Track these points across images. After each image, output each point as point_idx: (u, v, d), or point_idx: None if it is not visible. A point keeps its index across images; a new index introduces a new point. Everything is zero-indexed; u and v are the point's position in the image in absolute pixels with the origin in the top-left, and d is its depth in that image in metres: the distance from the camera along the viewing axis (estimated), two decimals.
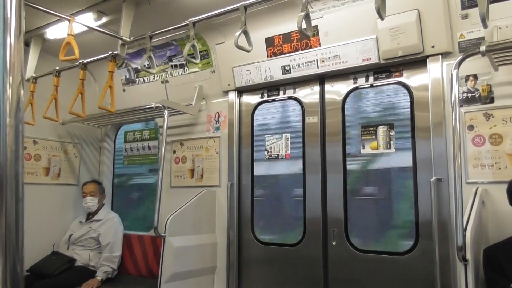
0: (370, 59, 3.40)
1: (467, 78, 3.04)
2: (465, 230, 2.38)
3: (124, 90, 4.92)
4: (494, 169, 2.89)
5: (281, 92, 4.04)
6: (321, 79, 3.81)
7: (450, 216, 3.00)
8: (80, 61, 3.69)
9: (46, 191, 4.77)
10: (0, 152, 0.56)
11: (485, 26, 2.28)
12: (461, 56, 2.61)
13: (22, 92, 0.59)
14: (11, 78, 0.57)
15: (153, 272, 4.42)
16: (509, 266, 2.42)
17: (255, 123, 4.19)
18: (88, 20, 3.62)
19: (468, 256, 2.34)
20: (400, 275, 3.27)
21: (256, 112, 4.18)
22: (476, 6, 2.77)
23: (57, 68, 3.96)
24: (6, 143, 0.56)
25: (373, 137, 3.50)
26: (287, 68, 3.78)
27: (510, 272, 2.41)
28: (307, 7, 2.48)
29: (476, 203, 2.65)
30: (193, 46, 3.09)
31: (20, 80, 0.58)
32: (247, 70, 3.98)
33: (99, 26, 3.61)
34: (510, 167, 2.84)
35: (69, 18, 3.15)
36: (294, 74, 3.77)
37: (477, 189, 2.84)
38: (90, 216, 4.72)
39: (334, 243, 3.58)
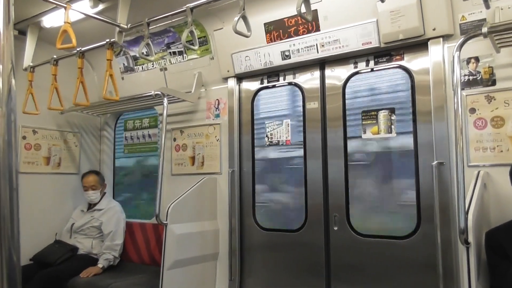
0: (371, 43, 3.36)
1: (468, 61, 3.01)
2: (467, 213, 2.37)
3: (122, 78, 4.89)
4: (496, 152, 2.88)
5: (281, 78, 4.01)
6: (321, 64, 3.77)
7: (452, 199, 3.00)
8: (78, 49, 3.66)
9: (47, 180, 4.78)
10: None
11: (487, 6, 2.25)
12: (462, 38, 2.58)
13: (13, 81, 0.57)
14: (0, 66, 0.55)
15: (155, 260, 4.45)
16: (511, 249, 2.42)
17: (255, 109, 4.17)
18: (84, 7, 3.58)
19: (470, 239, 2.34)
20: (402, 258, 3.28)
21: (256, 99, 4.16)
22: None
23: (55, 56, 3.93)
24: None
25: (374, 121, 3.48)
26: (287, 53, 3.75)
27: None
28: None
29: (478, 186, 2.64)
30: (191, 32, 3.06)
31: (11, 69, 0.56)
32: (246, 56, 3.95)
33: (95, 13, 3.57)
34: None
35: (65, 5, 3.10)
36: (294, 59, 3.74)
37: (479, 172, 2.83)
38: (91, 205, 4.74)
39: (335, 228, 3.59)
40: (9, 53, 0.56)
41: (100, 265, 4.27)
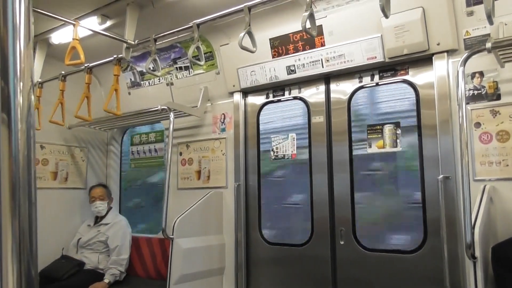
0: (375, 57, 3.39)
1: (473, 75, 3.03)
2: (473, 227, 2.37)
3: (129, 93, 4.94)
4: (502, 166, 2.88)
5: (286, 92, 4.04)
6: (326, 78, 3.80)
7: (458, 213, 2.99)
8: (86, 65, 3.71)
9: (54, 195, 4.80)
10: (12, 158, 0.56)
11: (491, 22, 2.27)
12: (467, 53, 2.61)
13: (32, 97, 0.59)
14: (21, 84, 0.57)
15: (161, 274, 4.44)
16: None
17: (260, 123, 4.19)
18: (92, 24, 3.64)
19: (477, 253, 2.33)
20: (409, 273, 3.26)
21: (261, 113, 4.18)
22: (481, 2, 2.77)
23: (63, 72, 3.98)
24: (18, 148, 0.57)
25: (379, 135, 3.49)
26: (292, 68, 3.78)
27: None
28: (311, 7, 2.48)
29: (484, 200, 2.63)
30: (198, 48, 3.10)
31: (30, 86, 0.58)
32: (252, 71, 3.98)
33: (103, 30, 3.63)
34: None
35: (74, 22, 3.16)
36: (299, 74, 3.77)
37: (485, 186, 2.83)
38: (98, 219, 4.74)
39: (342, 242, 3.58)
40: (29, 71, 0.59)
41: (106, 280, 4.25)
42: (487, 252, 2.55)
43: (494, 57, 2.73)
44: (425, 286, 3.20)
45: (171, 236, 3.68)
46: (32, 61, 0.59)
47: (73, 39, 3.11)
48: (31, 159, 0.59)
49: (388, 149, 3.46)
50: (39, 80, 4.18)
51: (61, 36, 4.02)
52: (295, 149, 3.95)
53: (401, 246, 3.38)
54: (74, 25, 3.14)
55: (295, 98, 4.00)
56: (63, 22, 3.30)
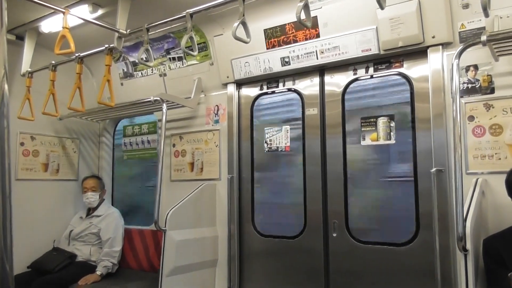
0: (370, 50, 3.36)
1: (467, 69, 3.02)
2: (465, 220, 2.37)
3: (122, 84, 4.89)
4: (494, 159, 2.88)
5: (281, 84, 4.02)
6: (321, 70, 3.78)
7: (450, 206, 3.00)
8: (76, 54, 3.65)
9: (45, 187, 4.75)
10: None
11: (486, 15, 2.26)
12: (461, 46, 2.59)
13: (6, 86, 0.56)
14: None
15: (154, 266, 4.43)
16: (509, 256, 2.43)
17: (254, 115, 4.16)
18: (83, 12, 3.57)
19: (468, 246, 2.34)
20: (401, 265, 3.27)
21: (255, 104, 4.16)
22: None
23: (53, 62, 3.92)
24: None
25: (373, 128, 3.48)
26: (286, 59, 3.75)
27: (509, 262, 2.42)
28: None
29: (476, 193, 2.65)
30: (191, 38, 3.05)
31: (3, 74, 0.55)
32: (246, 62, 3.95)
33: (94, 19, 3.56)
34: (510, 158, 2.83)
35: (63, 10, 3.10)
36: (294, 65, 3.74)
37: (477, 179, 2.84)
38: (90, 211, 4.72)
39: (334, 234, 3.58)
40: (2, 59, 0.56)
41: (98, 273, 4.24)
42: (478, 245, 2.57)
43: (489, 51, 2.72)
44: (417, 278, 3.21)
45: (164, 228, 3.66)
46: (5, 49, 0.56)
47: (63, 27, 3.05)
48: (4, 151, 0.55)
49: (381, 142, 3.45)
50: (29, 69, 4.11)
51: (51, 25, 3.94)
52: (289, 141, 3.93)
53: (394, 238, 3.38)
54: (63, 13, 3.08)
55: (289, 90, 3.98)
56: (53, 10, 3.23)
